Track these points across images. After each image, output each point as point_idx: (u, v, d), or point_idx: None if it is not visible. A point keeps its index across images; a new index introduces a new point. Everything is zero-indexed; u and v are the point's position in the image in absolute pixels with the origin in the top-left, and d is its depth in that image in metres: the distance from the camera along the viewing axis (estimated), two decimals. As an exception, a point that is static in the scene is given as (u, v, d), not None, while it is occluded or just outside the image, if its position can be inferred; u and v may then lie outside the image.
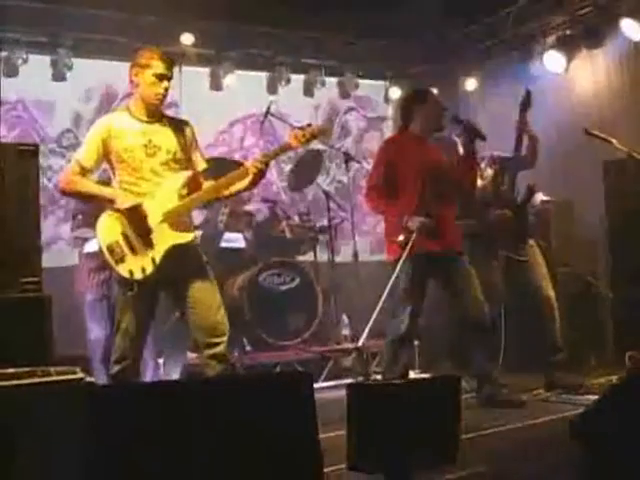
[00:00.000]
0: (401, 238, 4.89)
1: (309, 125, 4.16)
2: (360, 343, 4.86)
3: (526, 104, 5.39)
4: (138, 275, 3.94)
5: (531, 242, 5.64)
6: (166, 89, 4.08)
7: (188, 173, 4.11)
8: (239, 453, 2.26)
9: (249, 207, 7.23)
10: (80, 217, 5.46)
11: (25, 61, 6.95)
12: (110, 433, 2.31)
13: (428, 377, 5.17)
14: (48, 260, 6.92)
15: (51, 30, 6.95)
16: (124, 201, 3.96)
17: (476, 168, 5.41)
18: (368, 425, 2.99)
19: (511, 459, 3.89)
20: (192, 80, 7.72)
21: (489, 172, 5.66)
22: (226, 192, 4.17)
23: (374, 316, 4.76)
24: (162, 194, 4.03)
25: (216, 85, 7.82)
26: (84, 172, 4.05)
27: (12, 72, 6.87)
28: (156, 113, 4.15)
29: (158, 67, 4.04)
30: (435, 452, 3.09)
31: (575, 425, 3.32)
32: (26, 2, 6.61)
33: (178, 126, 4.19)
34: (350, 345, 6.64)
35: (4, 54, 6.84)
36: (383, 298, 4.81)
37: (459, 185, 5.28)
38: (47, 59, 7.10)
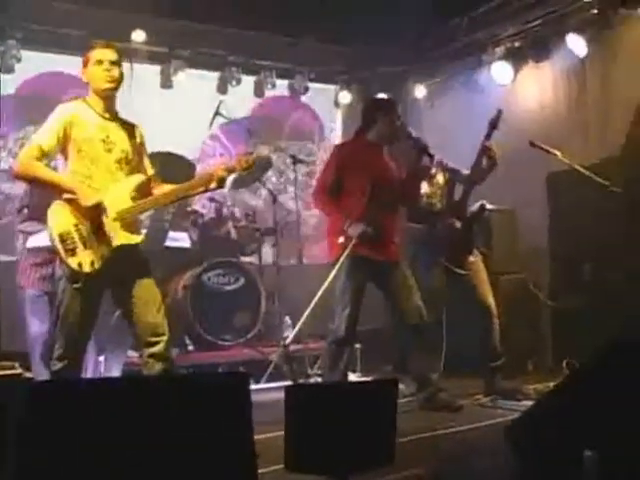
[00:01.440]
0: (341, 240, 4.96)
1: (250, 153, 4.26)
2: (288, 341, 4.91)
3: (495, 123, 5.42)
4: (87, 268, 3.92)
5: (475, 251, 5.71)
6: (108, 70, 4.04)
7: (142, 176, 4.15)
8: (173, 452, 2.26)
9: (195, 206, 7.22)
10: (26, 211, 5.37)
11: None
12: (47, 430, 2.29)
13: (366, 380, 5.22)
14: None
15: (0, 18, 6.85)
16: (87, 197, 3.93)
17: (421, 182, 5.50)
18: (305, 426, 3.01)
19: (447, 462, 3.96)
20: (143, 78, 7.71)
21: (439, 179, 5.71)
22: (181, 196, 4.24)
23: (305, 316, 4.84)
24: (117, 193, 4.02)
25: (166, 83, 7.79)
26: (42, 156, 3.98)
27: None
28: (112, 111, 4.16)
29: (99, 54, 4.05)
30: (372, 453, 3.12)
31: (508, 430, 3.40)
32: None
33: (130, 128, 4.21)
34: (292, 346, 6.66)
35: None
36: (316, 298, 4.90)
37: (404, 197, 5.36)
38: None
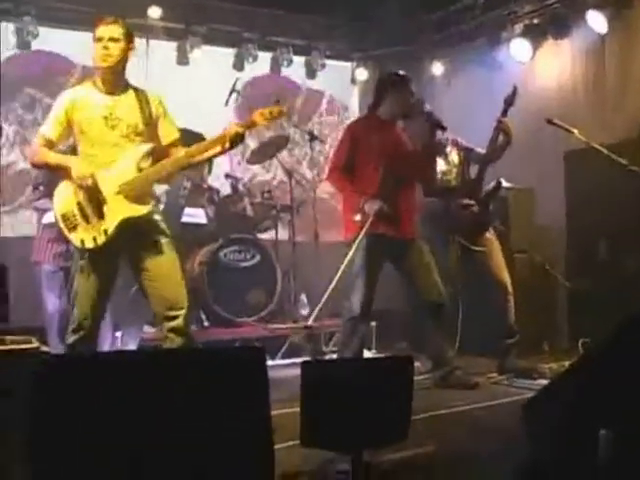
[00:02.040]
0: (357, 218, 4.95)
1: (275, 104, 4.15)
2: (310, 322, 4.91)
3: (511, 101, 5.40)
4: (89, 244, 3.96)
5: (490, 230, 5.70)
6: (106, 48, 4.01)
7: (149, 145, 4.09)
8: (189, 427, 2.27)
9: (212, 182, 7.21)
10: (41, 188, 5.41)
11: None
12: (63, 403, 2.31)
13: (382, 356, 5.22)
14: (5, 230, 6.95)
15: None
16: (78, 170, 3.95)
17: (436, 157, 5.48)
18: (321, 402, 3.02)
19: (462, 440, 3.97)
20: (159, 54, 7.70)
21: (454, 157, 5.69)
22: (186, 163, 4.14)
23: (326, 296, 4.81)
24: (120, 166, 4.02)
25: (182, 60, 7.77)
26: (50, 144, 4.07)
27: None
28: (119, 84, 4.13)
29: (100, 31, 4.03)
30: (387, 429, 3.13)
31: (525, 408, 3.40)
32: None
33: (143, 97, 4.16)
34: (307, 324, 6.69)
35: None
36: (337, 278, 4.87)
37: (420, 172, 5.35)
38: (11, 26, 7.01)
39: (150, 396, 2.29)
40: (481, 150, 5.64)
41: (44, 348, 3.34)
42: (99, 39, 4.02)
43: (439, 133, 5.36)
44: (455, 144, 5.71)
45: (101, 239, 3.95)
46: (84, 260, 4.00)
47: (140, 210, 4.04)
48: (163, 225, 4.19)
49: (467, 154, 5.70)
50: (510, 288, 5.56)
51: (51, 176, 5.10)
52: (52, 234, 5.30)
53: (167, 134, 4.20)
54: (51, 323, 5.35)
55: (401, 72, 5.48)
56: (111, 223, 3.95)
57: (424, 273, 5.18)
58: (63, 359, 2.85)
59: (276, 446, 3.36)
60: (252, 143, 8.00)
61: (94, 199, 3.96)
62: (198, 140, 4.23)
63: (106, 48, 4.02)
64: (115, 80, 4.11)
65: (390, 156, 5.10)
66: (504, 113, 5.41)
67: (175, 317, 4.03)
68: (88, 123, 4.03)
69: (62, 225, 4.02)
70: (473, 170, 5.71)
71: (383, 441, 3.16)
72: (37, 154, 4.13)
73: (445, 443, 3.80)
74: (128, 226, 3.97)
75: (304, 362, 3.09)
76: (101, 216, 3.96)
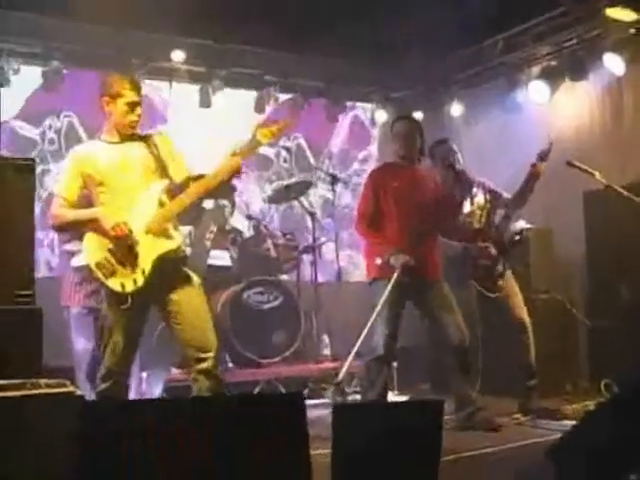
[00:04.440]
0: (379, 261, 5.01)
1: (275, 122, 4.21)
2: (340, 378, 4.92)
3: (546, 155, 5.47)
4: (130, 287, 3.98)
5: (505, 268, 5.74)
6: (139, 115, 4.19)
7: (165, 182, 4.16)
8: (232, 473, 2.32)
9: (234, 224, 7.30)
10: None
11: (16, 72, 7.00)
12: (99, 449, 2.35)
13: (415, 400, 5.22)
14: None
15: (43, 41, 6.99)
16: (108, 220, 4.00)
17: (459, 206, 5.56)
18: (352, 444, 3.06)
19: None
20: (181, 97, 7.86)
21: (480, 199, 5.76)
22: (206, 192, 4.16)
23: (358, 343, 4.81)
24: (142, 205, 4.08)
25: (205, 102, 7.89)
26: (69, 204, 4.13)
27: (4, 82, 6.92)
28: (127, 133, 4.23)
29: (130, 96, 4.14)
30: (417, 473, 3.16)
31: (551, 451, 3.41)
32: (18, 12, 6.65)
33: (150, 139, 4.27)
34: (330, 364, 6.72)
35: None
36: (369, 323, 4.89)
37: (443, 221, 5.41)
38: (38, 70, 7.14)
39: (190, 444, 2.34)
40: (507, 195, 5.71)
41: (78, 392, 3.38)
42: (134, 104, 4.15)
43: (468, 172, 5.43)
44: (482, 186, 5.78)
45: (140, 280, 3.97)
46: (125, 305, 3.99)
47: (171, 244, 4.10)
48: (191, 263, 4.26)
49: (493, 197, 5.77)
50: (529, 328, 5.60)
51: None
52: (79, 277, 5.38)
53: (179, 172, 4.24)
54: (80, 365, 5.39)
55: (400, 116, 5.57)
56: (147, 263, 3.98)
57: (447, 314, 5.21)
58: (100, 405, 2.91)
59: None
60: (274, 184, 8.14)
61: (127, 243, 3.99)
62: (224, 185, 4.28)
63: (139, 115, 4.18)
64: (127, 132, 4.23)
65: (412, 204, 5.19)
66: (539, 166, 5.46)
67: (204, 359, 4.06)
68: (104, 173, 4.12)
69: (99, 274, 4.02)
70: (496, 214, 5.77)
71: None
72: (58, 216, 4.16)
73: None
74: (161, 264, 4.01)
75: (335, 407, 3.13)
76: (135, 258, 3.99)
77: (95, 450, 2.37)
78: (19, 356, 3.58)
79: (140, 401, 3.84)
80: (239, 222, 7.50)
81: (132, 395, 5.46)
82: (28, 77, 7.17)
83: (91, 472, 2.35)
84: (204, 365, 4.06)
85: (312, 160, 8.70)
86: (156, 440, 2.32)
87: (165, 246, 4.07)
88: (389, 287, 4.93)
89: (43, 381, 3.50)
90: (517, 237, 5.72)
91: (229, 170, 4.05)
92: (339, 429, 3.05)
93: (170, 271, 4.08)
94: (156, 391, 5.67)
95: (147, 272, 3.98)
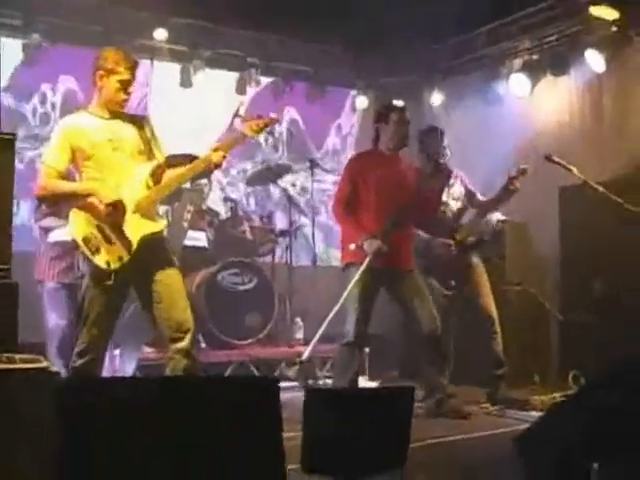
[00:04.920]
0: (352, 247, 5.03)
1: (259, 116, 4.22)
2: (305, 356, 4.95)
3: (513, 180, 5.47)
4: (115, 265, 4.00)
5: (475, 260, 5.78)
6: (129, 94, 4.18)
7: (154, 163, 4.17)
8: (202, 455, 2.33)
9: (211, 205, 7.29)
10: (43, 207, 5.45)
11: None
12: (71, 426, 2.35)
13: (386, 387, 5.25)
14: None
15: (25, 13, 6.92)
16: (104, 196, 4.01)
17: (439, 200, 5.58)
18: (323, 429, 3.09)
19: (453, 470, 4.03)
20: (163, 76, 7.82)
21: (455, 191, 5.79)
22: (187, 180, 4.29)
23: (324, 326, 4.84)
24: (131, 185, 4.08)
25: (186, 82, 7.86)
26: (58, 174, 4.11)
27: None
28: (117, 110, 4.22)
29: (124, 74, 4.11)
30: (386, 458, 3.20)
31: (517, 441, 3.46)
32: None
33: (138, 121, 4.27)
34: (302, 347, 6.73)
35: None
36: (335, 309, 4.91)
37: (422, 214, 5.39)
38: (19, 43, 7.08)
39: (161, 423, 2.34)
40: (481, 197, 5.76)
41: (53, 368, 3.37)
42: (127, 82, 4.12)
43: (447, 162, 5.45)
44: (460, 180, 5.81)
45: (125, 258, 3.99)
46: (109, 281, 4.00)
47: (156, 226, 4.13)
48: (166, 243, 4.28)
49: (468, 195, 5.80)
50: (496, 320, 5.66)
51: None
52: (55, 252, 5.36)
53: (159, 155, 4.27)
54: (52, 340, 5.38)
55: (396, 102, 5.57)
56: (133, 241, 3.99)
57: (419, 303, 5.22)
58: (73, 382, 2.91)
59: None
60: (252, 166, 8.13)
61: (115, 221, 4.01)
62: (192, 159, 4.30)
63: (130, 93, 4.17)
64: (117, 108, 4.21)
65: (390, 192, 5.16)
66: (515, 179, 5.46)
67: (181, 338, 4.08)
68: (93, 147, 4.09)
69: (84, 249, 4.04)
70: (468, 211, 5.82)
71: (381, 467, 3.23)
72: (47, 186, 4.13)
73: (436, 474, 3.86)
74: (145, 244, 4.02)
75: (308, 389, 3.16)
76: (122, 236, 4.00)
77: (67, 427, 2.36)
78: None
79: (114, 379, 3.82)
80: (215, 204, 7.49)
81: (105, 373, 5.47)
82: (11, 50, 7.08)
83: (63, 449, 2.35)
84: (181, 344, 4.07)
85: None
86: (129, 418, 2.32)
87: (150, 227, 4.08)
88: (359, 272, 4.95)
89: (18, 356, 3.49)
90: (477, 241, 5.73)
91: (211, 164, 4.08)
92: (310, 413, 3.09)
93: (153, 251, 4.09)
94: (129, 369, 5.66)
95: (133, 250, 3.99)
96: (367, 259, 4.97)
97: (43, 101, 7.52)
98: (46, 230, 5.45)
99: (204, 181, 6.99)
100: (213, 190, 7.31)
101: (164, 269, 4.11)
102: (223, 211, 7.37)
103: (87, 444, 2.25)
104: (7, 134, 3.88)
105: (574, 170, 5.45)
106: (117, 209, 4.01)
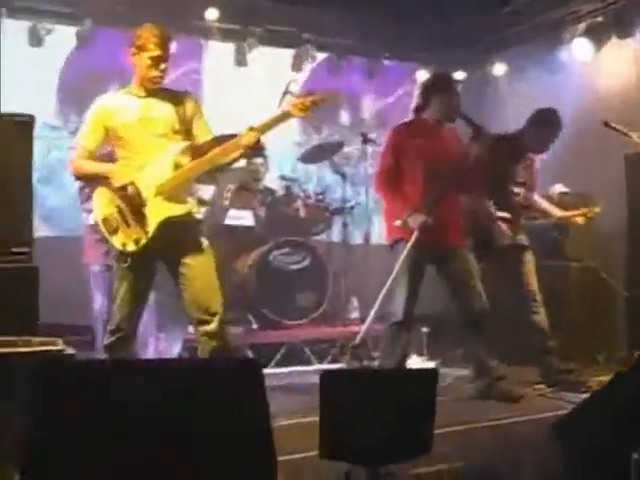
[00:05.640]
0: (398, 223, 4.85)
1: (310, 93, 4.05)
2: (357, 341, 4.82)
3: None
4: (131, 247, 3.98)
5: (520, 237, 5.56)
6: (163, 70, 4.07)
7: (184, 144, 4.06)
8: (190, 437, 2.25)
9: (266, 183, 7.17)
10: (87, 190, 5.47)
11: (49, 32, 6.96)
12: (66, 409, 2.29)
13: (405, 368, 5.08)
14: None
15: (75, 1, 6.93)
16: (118, 179, 4.00)
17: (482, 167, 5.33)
18: (341, 413, 2.96)
19: (495, 456, 3.85)
20: (216, 55, 7.76)
21: (531, 171, 5.64)
22: (222, 161, 4.07)
23: (376, 306, 4.70)
24: (156, 167, 4.01)
25: (240, 61, 7.77)
26: (89, 155, 4.12)
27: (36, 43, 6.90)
28: (154, 88, 4.13)
29: (154, 50, 4.01)
30: (409, 443, 3.06)
31: (556, 426, 3.28)
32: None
33: (177, 98, 4.16)
34: (358, 327, 6.59)
35: (29, 24, 6.89)
36: (385, 287, 4.77)
37: (466, 182, 5.12)
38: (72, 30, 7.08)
39: (151, 405, 2.27)
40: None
41: (69, 351, 3.33)
42: (157, 58, 4.02)
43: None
44: (532, 163, 5.63)
45: (143, 241, 3.95)
46: (126, 263, 4.01)
47: (179, 210, 4.04)
48: (201, 227, 4.21)
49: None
50: (538, 296, 5.44)
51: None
52: (97, 234, 5.35)
53: (202, 134, 4.15)
54: (97, 321, 5.43)
55: (445, 74, 5.36)
56: (152, 225, 3.94)
57: (468, 281, 5.04)
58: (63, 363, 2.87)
59: (294, 456, 3.35)
60: (306, 143, 8.00)
61: (133, 203, 3.97)
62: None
63: (162, 70, 4.06)
64: (154, 85, 4.13)
65: (435, 163, 4.95)
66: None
67: (208, 321, 4.03)
68: (124, 127, 4.05)
69: (103, 229, 4.07)
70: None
71: (404, 455, 3.09)
72: (77, 167, 4.17)
73: (476, 459, 3.69)
74: (168, 227, 3.95)
75: (323, 372, 3.03)
76: (141, 218, 3.96)
77: (54, 409, 2.30)
78: (13, 313, 3.56)
79: (95, 361, 3.75)
80: (273, 182, 7.37)
81: (151, 354, 5.47)
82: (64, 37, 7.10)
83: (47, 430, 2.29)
84: (208, 327, 4.04)
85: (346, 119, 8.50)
86: (111, 400, 2.25)
87: (173, 210, 4.00)
88: (407, 249, 4.78)
89: (37, 339, 3.48)
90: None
91: (243, 146, 3.93)
92: (326, 395, 2.96)
93: (177, 235, 4.01)
94: (175, 350, 5.65)
95: (151, 233, 3.94)
96: (414, 235, 4.80)
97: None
98: (89, 212, 5.45)
99: (259, 160, 6.86)
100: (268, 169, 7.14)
101: (191, 252, 4.05)
102: (279, 189, 7.23)
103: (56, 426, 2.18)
104: (24, 115, 3.85)
105: (634, 137, 5.19)
106: (130, 192, 3.96)
